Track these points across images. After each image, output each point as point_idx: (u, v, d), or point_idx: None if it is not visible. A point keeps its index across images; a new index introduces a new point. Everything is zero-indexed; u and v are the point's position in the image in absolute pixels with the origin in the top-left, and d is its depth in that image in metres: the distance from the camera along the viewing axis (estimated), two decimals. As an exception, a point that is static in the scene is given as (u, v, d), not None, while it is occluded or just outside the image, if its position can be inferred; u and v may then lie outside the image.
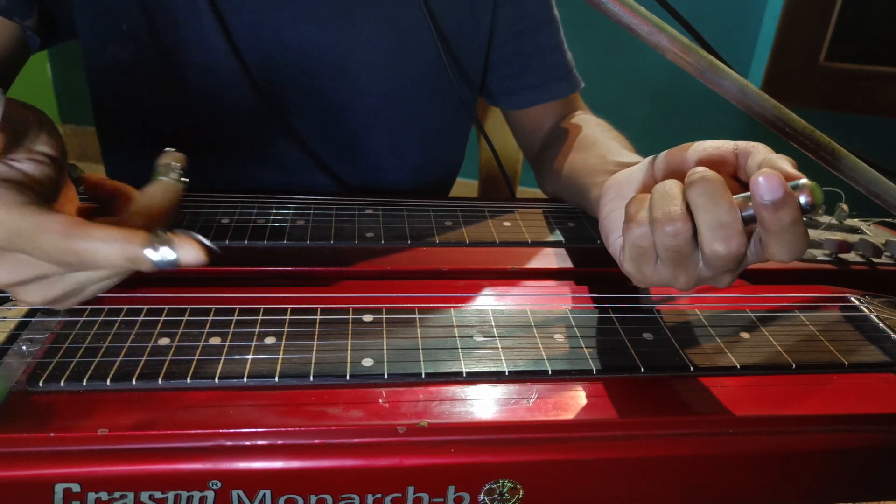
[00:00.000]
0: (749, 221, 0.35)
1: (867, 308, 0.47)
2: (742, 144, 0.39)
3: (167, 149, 0.37)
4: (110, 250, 0.31)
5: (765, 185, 0.33)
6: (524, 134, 0.79)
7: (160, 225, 0.36)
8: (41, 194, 0.33)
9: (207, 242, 0.32)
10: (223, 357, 0.38)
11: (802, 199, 0.34)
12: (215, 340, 0.39)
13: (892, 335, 0.44)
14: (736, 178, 0.40)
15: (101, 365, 0.37)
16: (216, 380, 0.37)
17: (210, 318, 0.41)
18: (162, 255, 0.31)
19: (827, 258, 0.56)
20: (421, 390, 0.37)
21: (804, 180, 0.34)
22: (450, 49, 0.68)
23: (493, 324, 0.43)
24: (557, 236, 0.56)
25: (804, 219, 0.34)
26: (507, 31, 0.71)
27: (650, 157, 0.44)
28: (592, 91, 0.78)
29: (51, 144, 0.34)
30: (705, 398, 0.38)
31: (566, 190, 0.63)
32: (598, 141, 0.65)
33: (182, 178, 0.37)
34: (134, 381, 0.36)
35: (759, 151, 0.38)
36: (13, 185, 0.32)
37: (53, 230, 0.31)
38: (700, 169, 0.36)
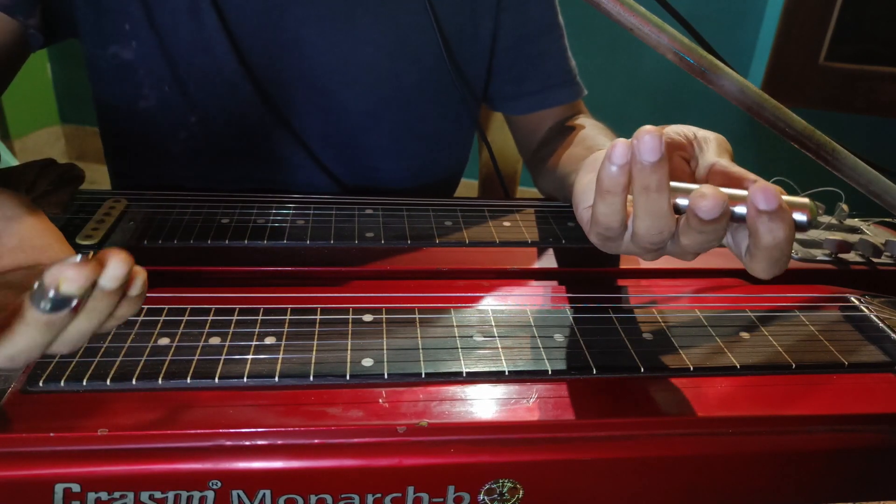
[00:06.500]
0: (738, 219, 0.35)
1: (867, 308, 0.47)
2: (700, 134, 0.41)
3: None
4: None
5: (760, 197, 0.33)
6: (523, 137, 0.79)
7: None
8: None
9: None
10: (223, 357, 0.38)
11: (798, 217, 0.34)
12: (215, 340, 0.39)
13: (892, 335, 0.44)
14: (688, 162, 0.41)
15: (100, 365, 0.37)
16: (216, 380, 0.37)
17: (210, 318, 0.41)
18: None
19: (827, 258, 0.56)
20: (421, 390, 0.37)
21: (804, 199, 0.34)
22: (451, 53, 0.68)
23: (493, 324, 0.43)
24: (557, 236, 0.56)
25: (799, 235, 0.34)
26: (509, 36, 0.71)
27: None
28: (592, 91, 0.78)
29: None
30: (705, 398, 0.38)
31: (557, 184, 0.63)
32: (587, 135, 0.65)
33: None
34: (134, 381, 0.36)
35: (710, 147, 0.40)
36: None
37: (50, 228, 0.32)
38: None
